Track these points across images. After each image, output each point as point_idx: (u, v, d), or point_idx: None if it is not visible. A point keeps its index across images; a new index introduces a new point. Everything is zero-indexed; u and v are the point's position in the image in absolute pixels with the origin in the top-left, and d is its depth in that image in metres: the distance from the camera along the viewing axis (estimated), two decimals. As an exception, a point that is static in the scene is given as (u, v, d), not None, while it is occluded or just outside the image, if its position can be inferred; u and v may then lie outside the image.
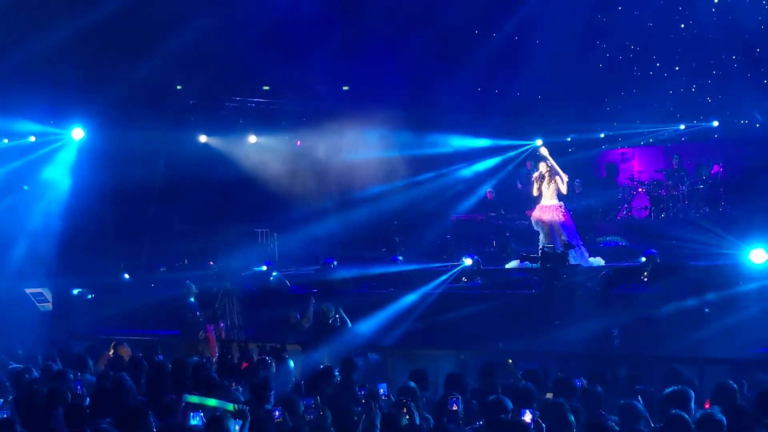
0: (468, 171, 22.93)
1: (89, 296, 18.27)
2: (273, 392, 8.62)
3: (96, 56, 17.15)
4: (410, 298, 14.63)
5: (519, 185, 21.64)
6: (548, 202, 15.79)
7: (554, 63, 20.69)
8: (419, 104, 21.36)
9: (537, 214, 15.88)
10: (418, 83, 20.79)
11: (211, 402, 8.39)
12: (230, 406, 8.18)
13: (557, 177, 15.74)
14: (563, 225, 15.65)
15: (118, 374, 9.79)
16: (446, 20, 19.76)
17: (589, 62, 20.94)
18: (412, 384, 8.68)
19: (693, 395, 7.70)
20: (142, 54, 17.39)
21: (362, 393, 8.58)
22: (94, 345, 12.80)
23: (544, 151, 16.19)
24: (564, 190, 15.77)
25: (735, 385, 8.16)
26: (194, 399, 8.37)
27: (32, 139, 20.00)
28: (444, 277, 15.62)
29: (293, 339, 13.89)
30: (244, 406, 7.99)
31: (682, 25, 20.70)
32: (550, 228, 15.60)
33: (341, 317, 13.53)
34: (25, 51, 16.01)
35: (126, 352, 12.15)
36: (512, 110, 21.65)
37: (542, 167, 15.92)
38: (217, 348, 13.06)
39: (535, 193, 16.02)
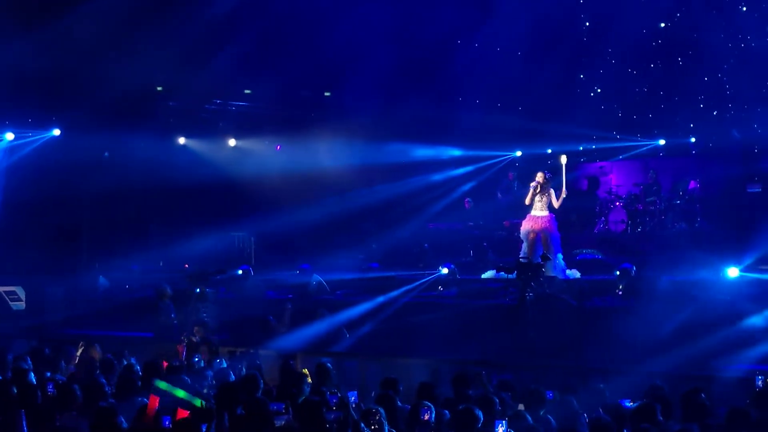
0: (446, 181, 23.03)
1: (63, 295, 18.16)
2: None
3: (75, 56, 17.07)
4: (363, 306, 14.70)
5: (499, 195, 21.69)
6: (539, 213, 15.59)
7: (532, 75, 20.80)
8: (398, 113, 21.40)
9: (528, 224, 15.68)
10: (396, 93, 20.78)
11: (180, 393, 8.32)
12: (198, 401, 8.13)
13: (552, 190, 15.61)
14: (552, 236, 15.60)
15: (89, 375, 9.73)
16: (417, 34, 19.79)
17: (568, 75, 21.02)
18: (391, 392, 8.66)
19: (659, 408, 7.74)
20: (123, 55, 17.35)
21: (334, 401, 8.57)
22: (66, 345, 12.71)
23: (563, 160, 15.92)
24: (556, 204, 15.59)
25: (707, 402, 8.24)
26: (163, 385, 8.30)
27: (10, 136, 19.94)
28: (414, 284, 15.65)
29: (269, 344, 13.89)
30: (212, 406, 7.97)
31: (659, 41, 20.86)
32: (536, 239, 15.49)
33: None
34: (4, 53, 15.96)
35: (96, 353, 12.07)
36: (491, 121, 21.73)
37: (540, 177, 15.59)
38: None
39: (527, 201, 15.70)
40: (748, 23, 19.59)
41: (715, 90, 20.69)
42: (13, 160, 19.93)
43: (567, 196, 15.70)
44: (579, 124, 21.80)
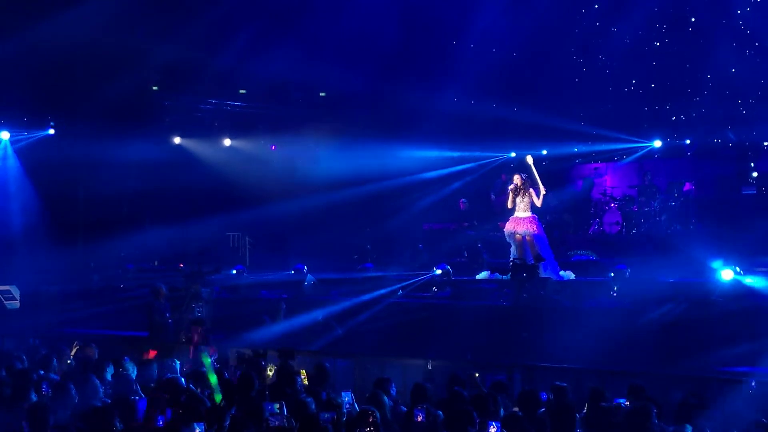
0: (441, 181, 23.04)
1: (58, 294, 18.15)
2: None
3: (70, 55, 17.06)
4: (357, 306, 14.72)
5: (493, 196, 21.69)
6: (522, 215, 15.65)
7: (528, 75, 20.82)
8: (393, 113, 21.42)
9: (510, 226, 15.74)
10: (393, 90, 20.79)
11: (213, 378, 8.52)
12: (219, 397, 8.24)
13: (531, 190, 15.65)
14: (536, 237, 15.58)
15: (84, 374, 9.72)
16: (412, 32, 19.80)
17: (563, 76, 21.04)
18: (379, 393, 8.67)
19: (654, 411, 7.75)
20: (119, 55, 17.33)
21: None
22: (60, 344, 12.69)
23: (529, 160, 16.04)
24: (538, 203, 15.63)
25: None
26: (207, 361, 8.47)
27: (5, 135, 19.91)
28: (403, 284, 15.68)
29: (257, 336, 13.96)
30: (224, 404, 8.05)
31: (657, 43, 20.87)
32: (522, 240, 15.52)
33: None
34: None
35: (92, 351, 12.06)
36: (487, 122, 21.75)
37: (517, 179, 15.72)
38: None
39: (509, 205, 15.81)
40: (745, 25, 19.62)
41: (711, 91, 20.70)
42: (8, 159, 19.92)
43: (557, 194, 15.70)
44: (574, 125, 21.85)
